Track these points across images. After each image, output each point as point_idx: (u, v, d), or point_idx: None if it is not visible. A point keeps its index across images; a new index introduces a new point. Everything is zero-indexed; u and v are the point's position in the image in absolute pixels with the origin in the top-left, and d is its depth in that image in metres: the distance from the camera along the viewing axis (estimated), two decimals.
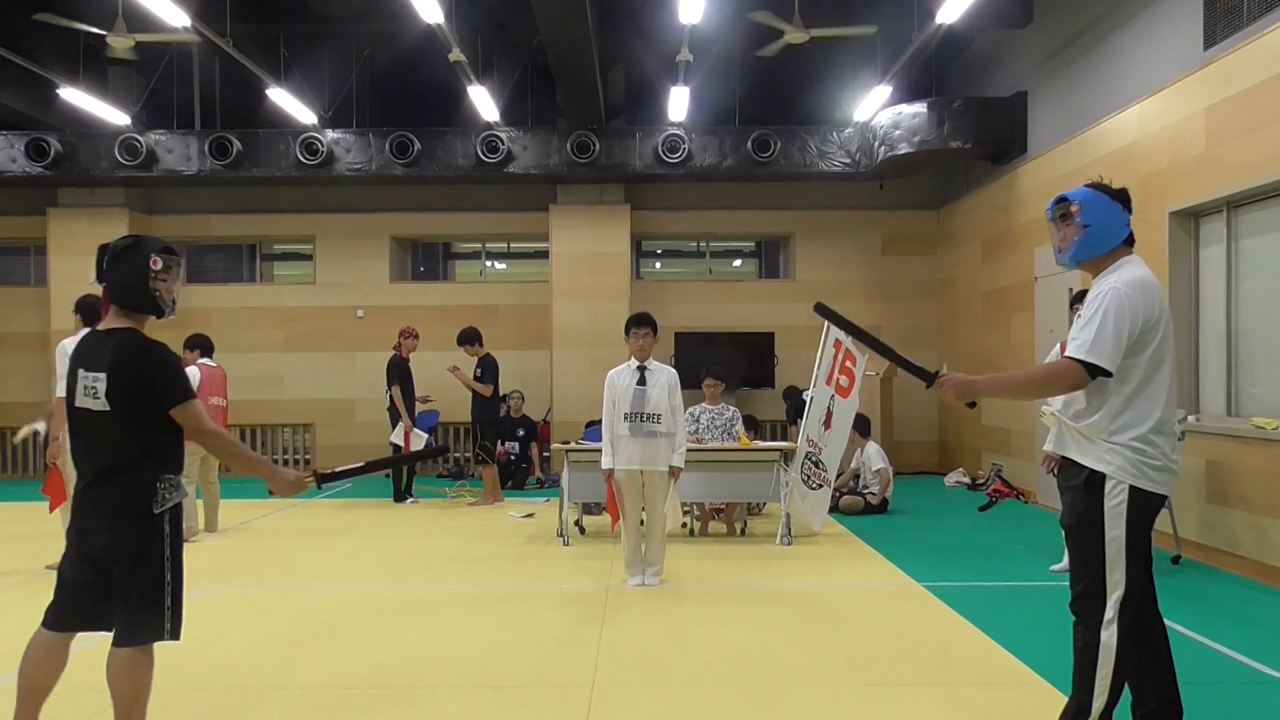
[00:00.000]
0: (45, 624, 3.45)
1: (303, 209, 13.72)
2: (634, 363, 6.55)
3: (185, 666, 4.72)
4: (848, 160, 12.52)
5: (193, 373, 8.71)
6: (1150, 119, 7.96)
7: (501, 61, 12.23)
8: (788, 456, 8.14)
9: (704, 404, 8.69)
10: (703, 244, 14.66)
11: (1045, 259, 10.04)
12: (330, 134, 12.38)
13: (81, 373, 3.37)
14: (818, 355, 8.60)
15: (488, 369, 10.39)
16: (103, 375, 3.31)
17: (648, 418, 6.39)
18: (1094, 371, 3.21)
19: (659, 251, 15.34)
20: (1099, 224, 3.36)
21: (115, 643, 3.36)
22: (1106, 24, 8.85)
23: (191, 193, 13.63)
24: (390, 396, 10.49)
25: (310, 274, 13.99)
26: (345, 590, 6.49)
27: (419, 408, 10.96)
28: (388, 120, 12.75)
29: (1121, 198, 3.42)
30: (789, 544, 7.98)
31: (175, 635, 3.42)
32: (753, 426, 10.02)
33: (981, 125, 11.14)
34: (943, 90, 13.03)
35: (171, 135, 12.44)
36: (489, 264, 14.99)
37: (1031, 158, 10.52)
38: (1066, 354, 3.29)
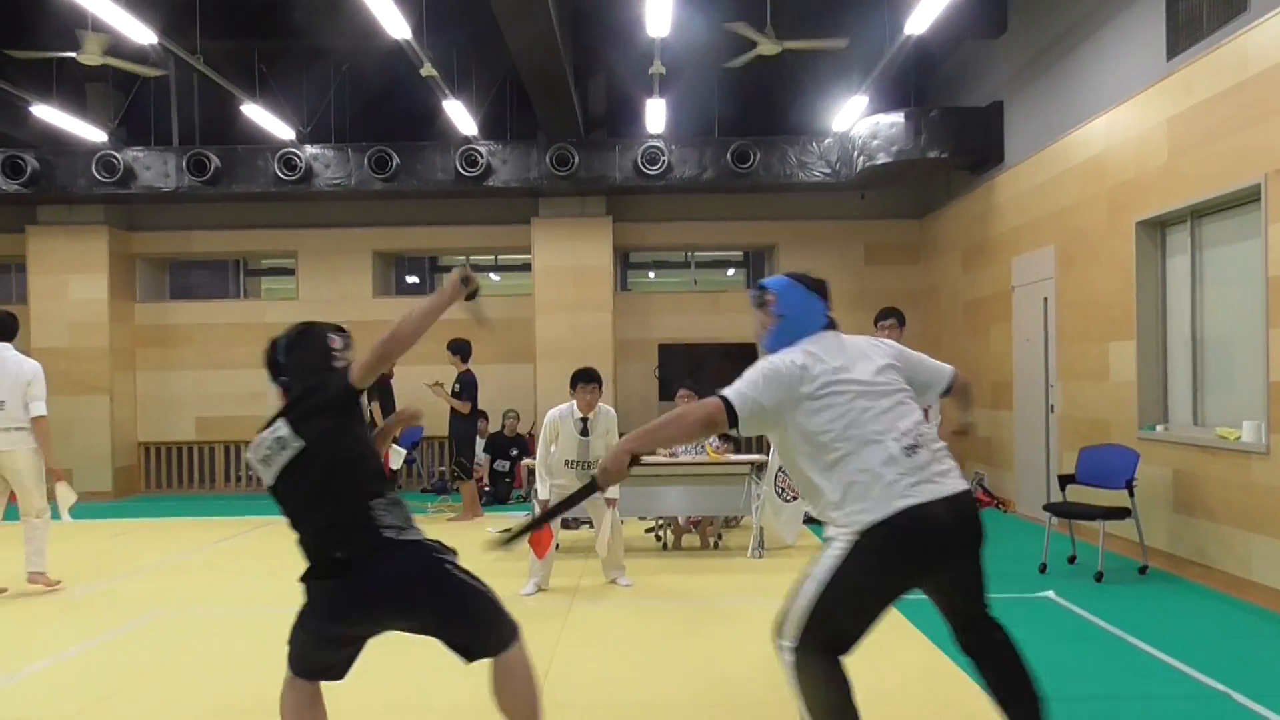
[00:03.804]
0: (295, 671, 3.39)
1: (284, 224, 13.71)
2: (577, 413, 6.87)
3: (167, 680, 4.69)
4: (828, 170, 12.52)
5: None
6: (1116, 130, 7.97)
7: (479, 75, 12.23)
8: (759, 469, 8.13)
9: None
10: (688, 255, 14.66)
11: (1022, 269, 10.05)
12: (309, 149, 12.38)
13: None
14: None
15: (466, 386, 10.43)
16: None
17: (590, 465, 6.87)
18: (730, 413, 3.13)
19: (650, 263, 15.33)
20: (793, 314, 3.40)
21: (478, 658, 3.30)
22: (1077, 34, 8.86)
23: (171, 209, 13.62)
24: (370, 413, 10.49)
25: (295, 289, 13.99)
26: None
27: None
28: (366, 135, 12.74)
29: (818, 288, 3.47)
30: (760, 557, 7.97)
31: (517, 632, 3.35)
32: (730, 439, 9.99)
33: (959, 135, 11.13)
34: (923, 100, 13.04)
35: (149, 152, 12.43)
36: None
37: (1008, 167, 10.52)
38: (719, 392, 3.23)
